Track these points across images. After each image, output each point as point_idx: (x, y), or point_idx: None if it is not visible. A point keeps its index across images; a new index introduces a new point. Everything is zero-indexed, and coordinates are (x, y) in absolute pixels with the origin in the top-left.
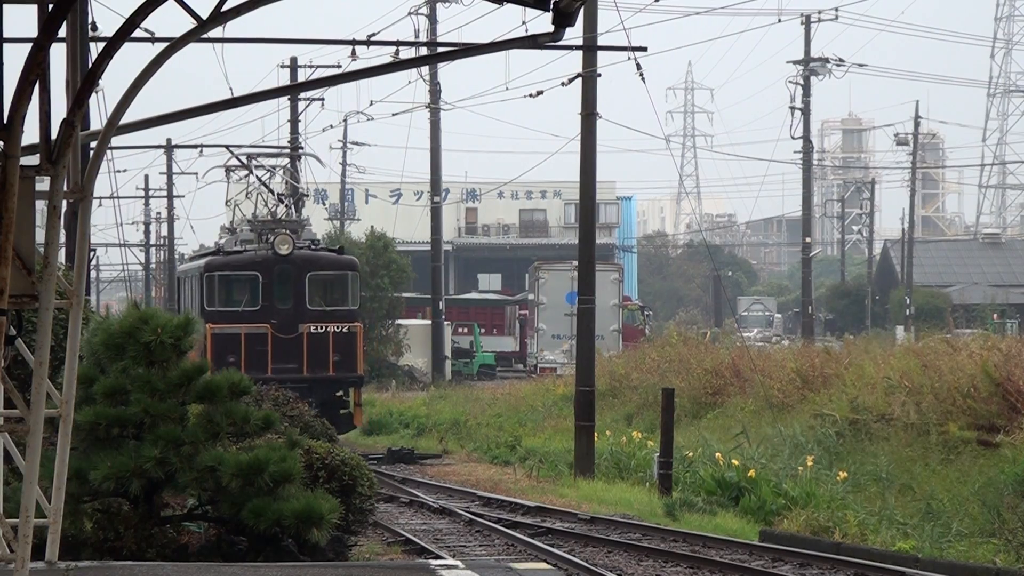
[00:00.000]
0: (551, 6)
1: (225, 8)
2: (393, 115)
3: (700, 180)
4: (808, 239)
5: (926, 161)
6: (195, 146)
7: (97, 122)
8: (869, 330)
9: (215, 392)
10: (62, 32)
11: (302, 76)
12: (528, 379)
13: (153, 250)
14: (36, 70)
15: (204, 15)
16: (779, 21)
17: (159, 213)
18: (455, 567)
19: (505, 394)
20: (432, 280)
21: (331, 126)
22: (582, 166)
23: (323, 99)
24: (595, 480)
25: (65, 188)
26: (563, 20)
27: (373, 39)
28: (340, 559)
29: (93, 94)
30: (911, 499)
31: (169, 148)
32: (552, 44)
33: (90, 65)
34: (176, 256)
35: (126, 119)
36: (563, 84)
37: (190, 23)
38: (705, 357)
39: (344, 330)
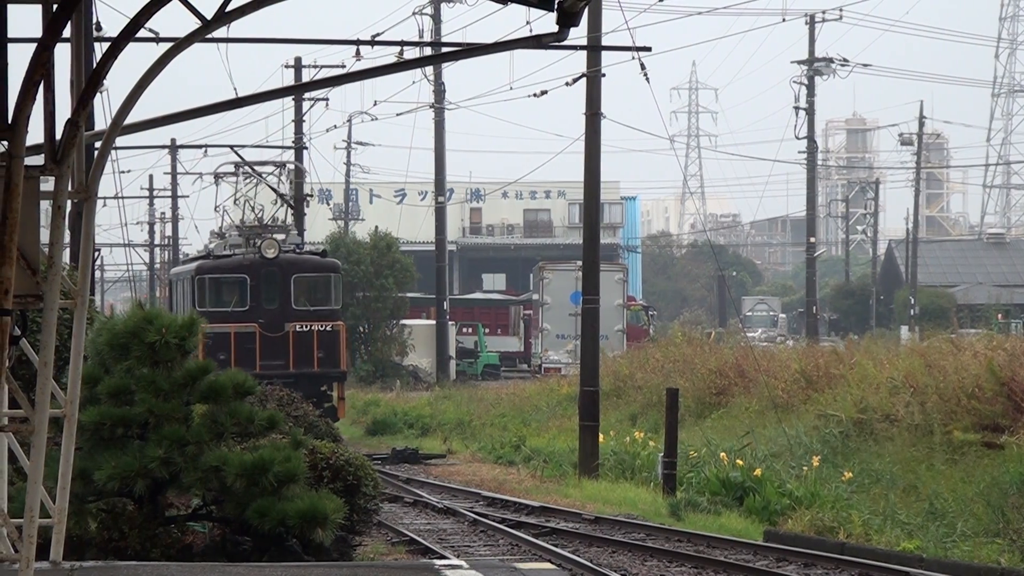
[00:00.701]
0: (555, 6)
1: (229, 8)
2: (397, 115)
3: (704, 180)
4: (812, 239)
5: (930, 161)
6: (199, 146)
7: (101, 122)
8: (873, 330)
9: (219, 392)
10: (67, 32)
11: (306, 76)
12: (532, 379)
13: (157, 250)
14: (40, 70)
15: (208, 15)
16: (783, 21)
17: (163, 213)
18: (459, 567)
19: (509, 394)
20: (436, 280)
21: (335, 126)
22: (586, 166)
23: (327, 99)
24: (599, 480)
25: (69, 188)
26: (567, 20)
27: (377, 39)
28: (344, 559)
29: (97, 94)
30: (915, 499)
31: (173, 148)
32: (556, 44)
33: (94, 65)
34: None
35: (130, 119)
36: (567, 84)
37: (194, 23)
38: (709, 357)
39: (328, 328)
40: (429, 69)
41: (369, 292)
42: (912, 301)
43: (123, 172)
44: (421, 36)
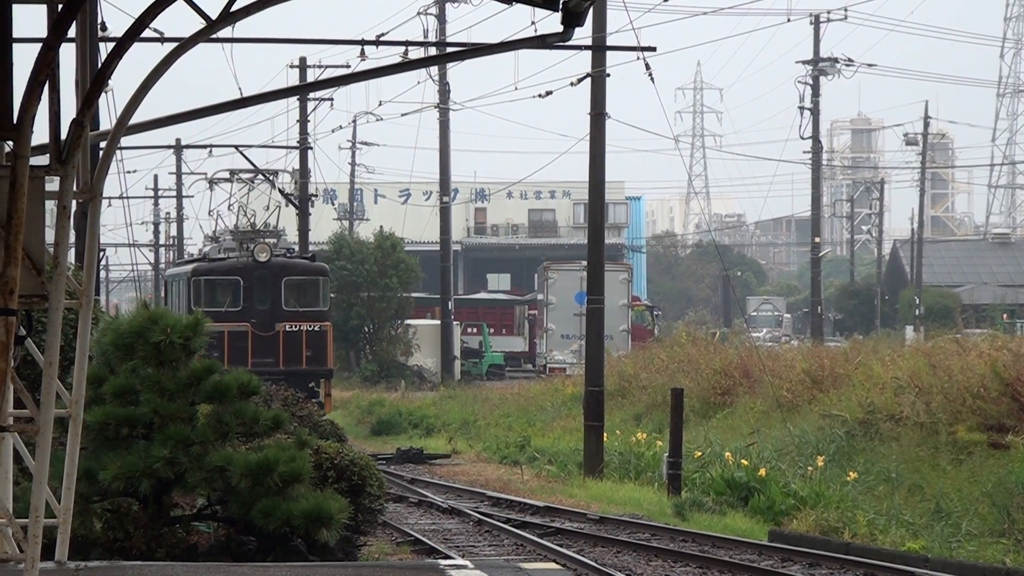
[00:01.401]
0: (560, 6)
1: (234, 8)
2: (402, 115)
3: (709, 180)
4: (817, 239)
5: (935, 161)
6: (204, 146)
7: (107, 122)
8: (878, 330)
9: (224, 392)
10: (72, 32)
11: (311, 76)
12: (537, 379)
13: (163, 250)
14: (46, 70)
15: (213, 15)
16: (788, 21)
17: (168, 213)
18: (464, 567)
19: (514, 394)
20: (441, 280)
21: (340, 126)
22: (591, 166)
23: (332, 99)
24: (604, 480)
25: (75, 188)
26: (572, 20)
27: (382, 39)
28: (349, 559)
29: (103, 94)
30: (920, 499)
31: (179, 148)
32: (561, 44)
33: (100, 65)
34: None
35: (136, 119)
36: (572, 84)
37: (199, 23)
38: (714, 357)
39: (316, 328)
40: (434, 69)
41: (374, 292)
42: (917, 301)
43: (128, 172)
44: (426, 36)
